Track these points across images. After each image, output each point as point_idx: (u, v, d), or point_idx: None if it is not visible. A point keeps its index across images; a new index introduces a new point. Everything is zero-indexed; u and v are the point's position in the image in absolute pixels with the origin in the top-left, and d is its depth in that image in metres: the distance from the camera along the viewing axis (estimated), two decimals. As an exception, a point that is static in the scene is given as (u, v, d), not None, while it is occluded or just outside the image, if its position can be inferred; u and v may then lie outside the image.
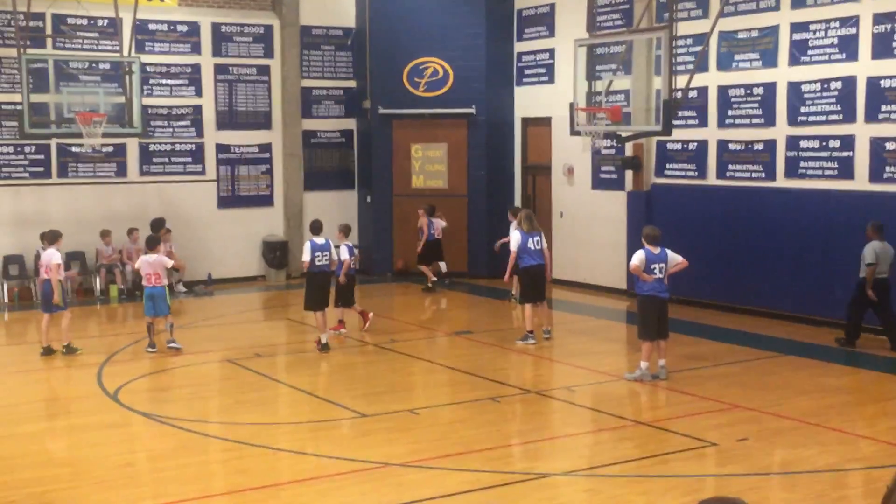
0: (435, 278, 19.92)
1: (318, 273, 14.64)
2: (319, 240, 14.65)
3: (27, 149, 19.56)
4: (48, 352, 14.34)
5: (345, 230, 15.60)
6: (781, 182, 16.64)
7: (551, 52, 20.90)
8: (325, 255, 14.55)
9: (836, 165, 15.85)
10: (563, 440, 10.70)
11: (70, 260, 19.60)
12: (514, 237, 14.85)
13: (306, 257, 14.57)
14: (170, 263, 14.78)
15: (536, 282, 14.81)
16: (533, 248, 14.69)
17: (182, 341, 14.57)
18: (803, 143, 16.31)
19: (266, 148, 21.94)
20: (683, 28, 16.95)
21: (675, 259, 12.66)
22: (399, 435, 10.53)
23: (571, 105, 16.05)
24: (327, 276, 14.77)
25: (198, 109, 21.19)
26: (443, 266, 20.04)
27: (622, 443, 10.35)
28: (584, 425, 11.25)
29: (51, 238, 14.62)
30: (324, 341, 14.46)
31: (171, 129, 20.95)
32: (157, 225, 18.11)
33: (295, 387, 12.78)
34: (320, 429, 10.89)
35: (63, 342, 14.40)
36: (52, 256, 14.29)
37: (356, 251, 15.66)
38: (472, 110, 21.58)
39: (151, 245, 14.73)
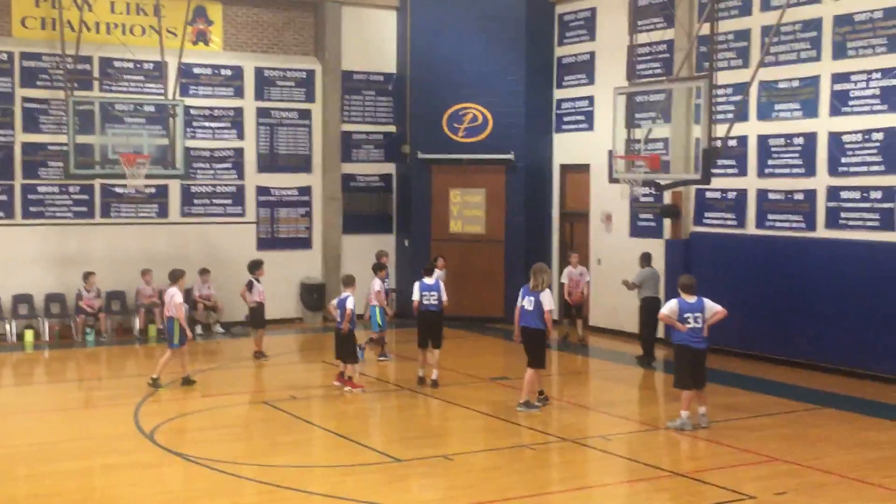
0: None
1: (426, 312, 15.18)
2: (429, 280, 15.23)
3: (71, 189, 19.87)
4: (188, 382, 14.98)
5: (348, 281, 15.11)
6: (822, 232, 16.52)
7: (591, 99, 20.97)
8: (434, 295, 15.14)
9: (877, 216, 15.71)
10: (599, 489, 10.60)
11: (110, 299, 19.88)
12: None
13: (415, 297, 15.23)
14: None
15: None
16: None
17: (218, 383, 14.58)
18: (844, 194, 16.20)
19: (306, 191, 22.14)
20: (723, 77, 16.96)
21: (713, 308, 12.53)
22: (433, 480, 10.49)
23: (610, 152, 16.07)
24: (435, 315, 15.16)
25: (239, 152, 21.45)
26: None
27: (658, 494, 10.23)
28: (619, 475, 11.14)
29: (173, 277, 15.19)
30: (420, 374, 15.20)
31: (212, 171, 21.20)
32: (255, 265, 17.89)
33: (330, 430, 12.77)
34: (354, 472, 10.85)
35: (154, 374, 14.90)
36: (175, 296, 14.87)
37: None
38: (510, 156, 21.67)
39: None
